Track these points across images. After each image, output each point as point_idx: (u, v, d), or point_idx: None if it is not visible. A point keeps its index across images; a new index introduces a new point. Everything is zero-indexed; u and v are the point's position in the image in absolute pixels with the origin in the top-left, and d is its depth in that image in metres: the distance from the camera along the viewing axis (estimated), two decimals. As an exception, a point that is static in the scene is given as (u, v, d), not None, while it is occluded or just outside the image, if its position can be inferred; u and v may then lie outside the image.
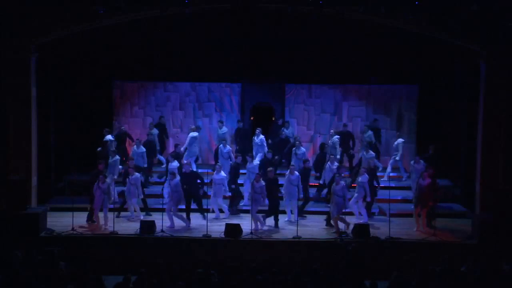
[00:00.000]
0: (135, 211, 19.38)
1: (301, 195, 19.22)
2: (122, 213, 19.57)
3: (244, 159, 21.10)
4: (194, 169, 20.76)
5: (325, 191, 19.85)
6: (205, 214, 18.79)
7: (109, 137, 21.68)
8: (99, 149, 21.11)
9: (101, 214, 18.74)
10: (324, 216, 19.08)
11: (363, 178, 19.10)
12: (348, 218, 18.48)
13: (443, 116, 22.78)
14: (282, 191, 19.09)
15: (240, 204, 20.23)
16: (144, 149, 21.16)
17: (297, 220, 18.46)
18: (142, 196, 19.34)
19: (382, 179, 20.61)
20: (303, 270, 14.21)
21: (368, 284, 13.57)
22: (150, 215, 19.41)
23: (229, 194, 19.93)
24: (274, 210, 18.74)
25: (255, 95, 24.05)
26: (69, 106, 22.68)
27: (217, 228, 18.36)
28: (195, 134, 22.00)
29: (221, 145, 21.66)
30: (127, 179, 19.12)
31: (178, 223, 18.75)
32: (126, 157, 21.58)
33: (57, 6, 18.36)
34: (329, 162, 20.19)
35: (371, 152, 21.02)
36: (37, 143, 19.50)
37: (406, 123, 23.89)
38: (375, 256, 17.18)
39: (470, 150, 20.25)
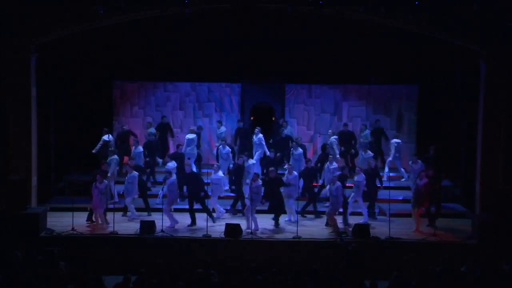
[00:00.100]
0: (128, 211, 19.40)
1: (299, 195, 19.21)
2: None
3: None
4: (194, 170, 20.73)
5: (324, 190, 19.83)
6: (214, 216, 18.75)
7: (106, 137, 21.65)
8: (97, 148, 21.11)
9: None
10: (324, 216, 19.08)
11: (358, 177, 19.12)
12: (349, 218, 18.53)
13: (443, 116, 22.79)
14: (281, 190, 19.08)
15: (238, 204, 20.23)
16: (141, 149, 21.13)
17: (297, 220, 18.44)
18: (136, 196, 19.30)
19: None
20: (303, 270, 14.21)
21: (368, 284, 13.58)
22: (150, 215, 19.40)
23: (225, 194, 19.96)
24: (275, 210, 18.75)
25: (255, 95, 24.04)
26: (69, 106, 22.68)
27: (217, 228, 18.37)
28: (191, 136, 21.96)
29: (220, 145, 21.66)
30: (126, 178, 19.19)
31: (178, 222, 18.79)
32: (129, 156, 21.59)
33: (57, 6, 18.36)
34: (328, 162, 20.20)
35: (369, 152, 21.03)
36: (37, 143, 19.50)
37: (406, 123, 23.90)
38: (375, 256, 17.18)
39: (470, 150, 20.25)
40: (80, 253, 16.79)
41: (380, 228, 18.56)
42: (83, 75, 22.79)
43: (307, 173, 19.78)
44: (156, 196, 19.85)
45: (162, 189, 19.02)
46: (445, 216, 19.45)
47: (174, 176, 18.85)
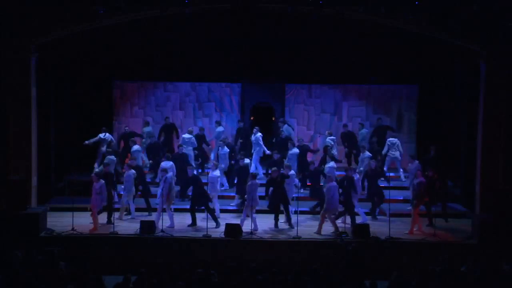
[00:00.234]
0: (127, 211, 19.42)
1: (293, 195, 19.24)
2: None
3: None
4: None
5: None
6: (218, 221, 18.70)
7: (102, 135, 21.64)
8: (90, 141, 21.25)
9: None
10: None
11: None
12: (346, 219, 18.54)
13: (443, 116, 22.79)
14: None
15: (231, 204, 20.23)
16: (138, 148, 21.10)
17: (297, 221, 18.45)
18: (133, 195, 19.29)
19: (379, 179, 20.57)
20: (303, 270, 14.21)
21: (368, 284, 13.58)
22: (150, 214, 19.41)
23: (222, 194, 20.03)
24: (274, 210, 18.78)
25: (255, 95, 24.05)
26: (69, 106, 22.68)
27: (217, 228, 18.37)
28: (187, 136, 22.03)
29: (219, 146, 21.66)
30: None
31: (178, 222, 18.77)
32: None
33: (57, 6, 18.36)
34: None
35: (367, 152, 21.00)
36: (37, 143, 19.50)
37: (406, 123, 23.91)
38: (375, 256, 17.18)
39: (470, 150, 20.25)
40: (80, 253, 16.78)
41: (380, 228, 18.56)
42: (83, 75, 22.79)
43: (311, 174, 19.81)
44: (155, 196, 19.88)
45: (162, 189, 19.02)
46: (439, 216, 19.42)
47: (169, 174, 18.79)
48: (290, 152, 21.15)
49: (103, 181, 18.40)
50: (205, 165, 22.38)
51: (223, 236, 17.82)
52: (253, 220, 18.24)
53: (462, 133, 21.58)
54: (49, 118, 21.24)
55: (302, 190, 20.13)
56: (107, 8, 18.07)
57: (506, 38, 18.37)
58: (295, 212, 18.80)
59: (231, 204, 20.31)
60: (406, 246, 17.61)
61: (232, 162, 21.26)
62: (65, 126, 22.24)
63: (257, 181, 18.55)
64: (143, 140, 22.34)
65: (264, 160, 21.98)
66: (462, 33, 18.86)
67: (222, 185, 21.06)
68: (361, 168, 20.51)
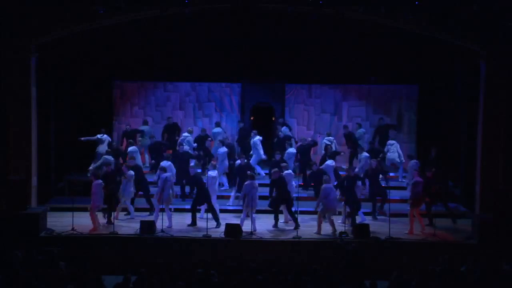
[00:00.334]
0: (126, 212, 19.45)
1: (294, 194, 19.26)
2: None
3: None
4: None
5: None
6: (219, 223, 18.65)
7: (99, 135, 21.66)
8: (86, 138, 21.36)
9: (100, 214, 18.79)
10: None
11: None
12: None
13: (443, 116, 22.80)
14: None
15: (227, 204, 20.23)
16: (133, 149, 21.12)
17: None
18: (132, 195, 19.29)
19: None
20: (303, 270, 14.21)
21: (368, 284, 13.59)
22: (152, 214, 19.39)
23: (221, 194, 20.05)
24: (274, 210, 18.79)
25: (255, 95, 24.07)
26: (69, 106, 22.69)
27: (217, 228, 18.37)
28: (185, 135, 22.06)
29: (217, 146, 21.67)
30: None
31: (178, 222, 18.78)
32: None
33: (57, 6, 18.35)
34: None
35: (365, 153, 20.96)
36: (37, 143, 19.50)
37: (406, 123, 23.92)
38: (375, 256, 17.18)
39: (470, 150, 20.25)
40: (80, 253, 16.77)
41: (380, 228, 18.56)
42: (83, 75, 22.81)
43: (313, 174, 19.84)
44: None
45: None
46: (445, 216, 19.42)
47: (165, 173, 18.77)
48: (286, 151, 21.18)
49: (100, 181, 18.38)
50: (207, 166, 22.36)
51: (223, 236, 17.82)
52: (253, 222, 18.22)
53: (462, 133, 21.57)
54: (49, 118, 21.24)
55: (299, 189, 20.10)
56: (107, 8, 18.07)
57: (506, 38, 18.38)
58: (295, 212, 18.79)
59: (227, 204, 20.28)
60: (406, 246, 17.60)
61: (231, 162, 21.23)
62: (65, 126, 22.25)
63: (256, 182, 18.49)
64: (139, 139, 22.34)
65: (266, 161, 21.95)
66: (462, 33, 18.87)
67: (222, 184, 21.08)
68: (356, 169, 20.37)
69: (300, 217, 18.60)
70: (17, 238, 17.14)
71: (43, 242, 17.33)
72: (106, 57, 22.60)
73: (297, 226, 18.30)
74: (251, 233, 17.96)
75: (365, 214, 19.15)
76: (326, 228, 18.30)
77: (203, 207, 19.01)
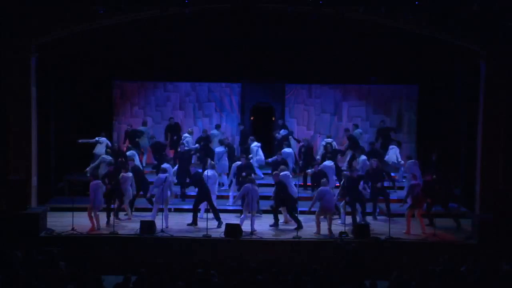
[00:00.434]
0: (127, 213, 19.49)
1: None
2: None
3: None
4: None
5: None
6: (221, 222, 18.62)
7: (98, 138, 21.68)
8: (84, 140, 21.39)
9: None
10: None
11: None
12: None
13: (443, 116, 22.80)
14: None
15: (226, 204, 20.23)
16: (130, 153, 21.13)
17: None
18: (130, 197, 19.30)
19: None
20: (303, 270, 14.20)
21: (368, 284, 13.58)
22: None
23: (220, 194, 20.10)
24: (274, 211, 18.83)
25: (255, 95, 24.08)
26: (69, 106, 22.70)
27: (217, 228, 18.37)
28: (185, 135, 22.08)
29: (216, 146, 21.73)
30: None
31: (178, 222, 18.78)
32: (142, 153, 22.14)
33: (57, 6, 18.35)
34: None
35: (363, 156, 20.91)
36: (37, 143, 19.50)
37: (406, 123, 23.93)
38: (375, 256, 17.18)
39: (470, 150, 20.26)
40: (80, 253, 16.77)
41: (380, 228, 18.57)
42: (83, 75, 22.82)
43: (315, 175, 19.87)
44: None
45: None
46: (445, 216, 19.42)
47: (164, 174, 18.78)
48: (282, 151, 21.25)
49: (96, 181, 18.36)
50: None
51: (223, 236, 17.82)
52: (253, 222, 18.21)
53: (462, 133, 21.59)
54: (49, 118, 21.25)
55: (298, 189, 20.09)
56: (107, 8, 18.07)
57: (506, 38, 18.38)
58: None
59: (227, 204, 20.28)
60: (406, 246, 17.60)
61: (230, 162, 21.25)
62: (65, 126, 22.26)
63: (256, 187, 18.45)
64: (136, 139, 22.37)
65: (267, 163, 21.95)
66: (462, 33, 18.87)
67: (222, 184, 21.08)
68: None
69: (300, 217, 18.56)
70: (17, 238, 17.13)
71: (43, 242, 17.33)
72: (106, 57, 22.60)
73: (299, 227, 18.27)
74: (251, 233, 17.96)
75: (365, 214, 19.13)
76: (326, 228, 18.32)
77: (203, 208, 19.00)
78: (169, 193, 18.65)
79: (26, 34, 18.68)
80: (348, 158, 22.35)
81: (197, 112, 24.23)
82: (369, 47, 22.48)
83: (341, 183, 19.09)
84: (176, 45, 22.52)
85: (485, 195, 18.87)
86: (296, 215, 18.53)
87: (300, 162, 21.72)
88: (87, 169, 20.45)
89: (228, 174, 21.27)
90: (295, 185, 19.50)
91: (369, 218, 19.09)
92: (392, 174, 21.69)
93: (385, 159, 21.67)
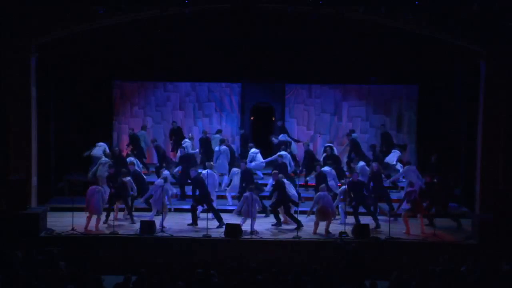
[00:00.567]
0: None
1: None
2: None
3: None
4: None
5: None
6: (222, 222, 18.61)
7: (97, 143, 21.69)
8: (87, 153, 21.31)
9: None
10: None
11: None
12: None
13: (443, 116, 22.80)
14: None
15: (226, 205, 20.23)
16: (130, 159, 21.10)
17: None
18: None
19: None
20: (303, 270, 14.20)
21: (368, 284, 13.58)
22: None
23: (219, 194, 20.13)
24: (273, 212, 18.85)
25: (255, 95, 24.07)
26: (69, 106, 22.68)
27: (217, 228, 18.37)
28: (186, 140, 22.12)
29: (217, 146, 21.77)
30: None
31: (178, 222, 18.79)
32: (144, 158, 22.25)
33: (57, 6, 18.35)
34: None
35: (361, 162, 20.84)
36: (37, 143, 19.50)
37: (406, 123, 23.92)
38: (375, 256, 17.18)
39: (470, 150, 20.26)
40: (80, 253, 16.78)
41: (380, 228, 18.58)
42: (83, 75, 22.80)
43: (317, 176, 19.88)
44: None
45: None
46: (444, 216, 19.41)
47: (160, 181, 18.81)
48: (278, 154, 21.22)
49: (94, 187, 18.35)
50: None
51: (223, 236, 17.81)
52: (252, 223, 18.21)
53: (462, 133, 21.59)
54: (49, 118, 21.25)
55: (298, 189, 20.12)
56: (107, 8, 18.07)
57: (506, 38, 18.38)
58: (295, 212, 18.80)
59: (227, 204, 20.29)
60: (406, 246, 17.61)
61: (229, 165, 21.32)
62: (65, 126, 22.25)
63: (255, 195, 18.41)
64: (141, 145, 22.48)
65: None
66: (462, 33, 18.87)
67: (220, 184, 21.03)
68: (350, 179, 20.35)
69: (300, 217, 18.56)
70: (17, 238, 17.14)
71: (43, 242, 17.33)
72: (106, 57, 22.59)
73: (299, 227, 18.28)
74: (251, 233, 17.96)
75: (366, 214, 19.12)
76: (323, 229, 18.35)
77: (200, 207, 19.02)
78: (166, 198, 18.63)
79: (26, 34, 18.68)
80: (346, 160, 22.36)
81: (197, 112, 24.22)
82: (369, 47, 22.47)
83: (345, 186, 19.06)
84: (176, 45, 22.51)
85: (485, 195, 18.87)
86: (296, 215, 18.54)
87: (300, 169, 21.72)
88: (89, 174, 20.39)
89: (226, 174, 21.29)
90: (297, 185, 19.53)
91: (369, 218, 19.06)
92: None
93: (385, 160, 21.66)
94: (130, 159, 20.94)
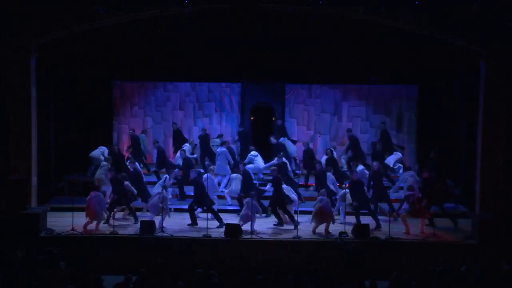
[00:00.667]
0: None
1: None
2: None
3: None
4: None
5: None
6: (222, 222, 18.62)
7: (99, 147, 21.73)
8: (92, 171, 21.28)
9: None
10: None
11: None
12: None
13: (443, 116, 22.79)
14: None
15: (226, 205, 20.23)
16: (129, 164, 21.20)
17: (297, 221, 18.46)
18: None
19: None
20: (303, 270, 14.21)
21: (368, 284, 13.58)
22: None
23: (219, 194, 20.13)
24: (273, 212, 18.86)
25: (255, 95, 24.06)
26: (69, 106, 22.68)
27: (217, 228, 18.37)
28: (185, 144, 22.15)
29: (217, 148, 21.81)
30: None
31: (178, 222, 18.79)
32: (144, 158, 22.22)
33: (57, 6, 18.35)
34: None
35: (360, 166, 20.81)
36: (37, 143, 19.50)
37: (406, 123, 23.90)
38: (375, 256, 17.18)
39: (470, 150, 20.26)
40: (80, 253, 16.78)
41: (381, 228, 18.58)
42: (83, 75, 22.79)
43: (317, 175, 19.88)
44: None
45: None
46: (442, 216, 19.41)
47: (158, 188, 18.85)
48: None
49: (95, 193, 18.37)
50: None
51: (223, 236, 17.82)
52: (252, 223, 18.23)
53: (462, 133, 21.59)
54: (49, 118, 21.26)
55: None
56: (107, 8, 18.07)
57: (506, 38, 18.39)
58: (295, 212, 18.81)
59: (227, 204, 20.30)
60: (406, 246, 17.61)
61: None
62: (65, 126, 22.25)
63: (255, 201, 18.39)
64: (141, 147, 22.46)
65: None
66: (462, 33, 18.87)
67: (219, 184, 21.02)
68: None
69: (300, 217, 18.58)
70: (17, 238, 17.14)
71: (43, 242, 17.33)
72: (106, 57, 22.59)
73: (283, 224, 18.51)
74: (251, 233, 17.97)
75: (366, 214, 19.12)
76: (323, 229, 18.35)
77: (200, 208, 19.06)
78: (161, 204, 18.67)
79: (26, 34, 18.68)
80: (346, 160, 22.36)
81: (197, 112, 24.21)
82: (369, 47, 22.46)
83: (345, 190, 19.08)
84: (176, 45, 22.51)
85: (485, 195, 18.88)
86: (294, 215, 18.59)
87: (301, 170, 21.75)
88: (95, 176, 20.39)
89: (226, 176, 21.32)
90: (298, 184, 19.55)
91: (369, 219, 19.06)
92: (392, 175, 21.66)
93: (385, 161, 21.67)
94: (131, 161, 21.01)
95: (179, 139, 22.99)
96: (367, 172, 20.17)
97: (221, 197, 20.33)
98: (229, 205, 20.27)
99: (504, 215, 17.87)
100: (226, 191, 20.40)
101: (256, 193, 18.71)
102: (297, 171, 21.67)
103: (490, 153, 19.01)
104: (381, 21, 19.39)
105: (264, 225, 18.83)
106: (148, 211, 19.01)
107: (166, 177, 19.53)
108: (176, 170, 20.71)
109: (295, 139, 23.42)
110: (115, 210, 18.82)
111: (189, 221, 18.85)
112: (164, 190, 18.44)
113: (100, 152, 21.47)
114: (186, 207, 19.39)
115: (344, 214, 19.03)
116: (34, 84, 19.21)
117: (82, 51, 22.03)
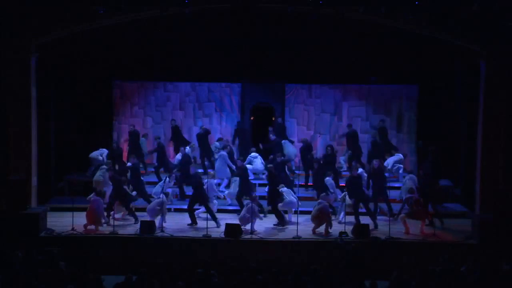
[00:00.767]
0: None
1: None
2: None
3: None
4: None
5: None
6: (218, 223, 18.67)
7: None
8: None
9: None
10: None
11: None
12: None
13: (443, 116, 22.79)
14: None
15: (226, 205, 20.24)
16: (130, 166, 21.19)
17: (297, 221, 18.45)
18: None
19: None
20: (303, 270, 14.21)
21: (368, 284, 13.58)
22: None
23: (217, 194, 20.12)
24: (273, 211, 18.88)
25: (255, 95, 24.05)
26: (69, 106, 22.69)
27: (217, 228, 18.37)
28: (186, 148, 22.25)
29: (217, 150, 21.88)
30: None
31: (178, 222, 18.80)
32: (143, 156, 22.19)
33: (57, 6, 18.36)
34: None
35: (360, 169, 20.85)
36: (37, 143, 19.50)
37: (406, 123, 23.89)
38: (375, 256, 17.18)
39: (470, 150, 20.27)
40: (80, 253, 16.80)
41: (380, 228, 18.58)
42: (83, 75, 22.79)
43: (315, 173, 19.90)
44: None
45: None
46: (445, 216, 19.43)
47: (158, 188, 18.86)
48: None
49: (95, 198, 18.37)
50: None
51: (223, 236, 17.82)
52: (252, 223, 18.23)
53: (462, 133, 21.60)
54: (49, 118, 21.27)
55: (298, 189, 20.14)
56: (107, 8, 18.07)
57: (506, 38, 18.39)
58: (295, 212, 18.81)
59: (227, 204, 20.31)
60: (406, 246, 17.61)
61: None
62: (65, 126, 22.26)
63: (255, 205, 18.39)
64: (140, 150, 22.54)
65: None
66: (462, 33, 18.87)
67: (219, 184, 21.02)
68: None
69: (300, 217, 18.58)
70: (17, 238, 17.15)
71: (43, 242, 17.34)
72: (106, 57, 22.59)
73: (282, 224, 18.58)
74: (251, 233, 17.97)
75: (365, 214, 19.12)
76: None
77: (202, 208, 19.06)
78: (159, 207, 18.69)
79: (26, 34, 18.69)
80: (346, 160, 22.37)
81: (197, 112, 24.20)
82: (369, 47, 22.47)
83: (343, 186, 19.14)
84: (176, 45, 22.51)
85: (485, 195, 18.88)
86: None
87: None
88: (94, 178, 20.40)
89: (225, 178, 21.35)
90: (296, 185, 19.55)
91: (368, 218, 19.07)
92: (392, 175, 21.68)
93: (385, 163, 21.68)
94: (130, 165, 21.01)
95: (178, 136, 22.98)
96: (365, 175, 20.16)
97: (219, 197, 20.31)
98: (229, 205, 20.26)
99: (504, 215, 17.88)
100: (226, 192, 20.40)
101: (256, 196, 18.73)
102: (296, 171, 21.64)
103: (490, 153, 19.02)
104: (381, 21, 19.39)
105: (264, 225, 18.83)
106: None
107: (166, 177, 19.52)
108: (175, 170, 20.70)
109: (295, 139, 23.41)
110: (113, 211, 18.80)
111: (189, 221, 18.84)
112: (163, 195, 18.47)
113: (100, 153, 21.49)
114: (186, 207, 19.39)
115: (344, 214, 19.01)
116: (34, 84, 19.21)
117: (82, 51, 22.04)
